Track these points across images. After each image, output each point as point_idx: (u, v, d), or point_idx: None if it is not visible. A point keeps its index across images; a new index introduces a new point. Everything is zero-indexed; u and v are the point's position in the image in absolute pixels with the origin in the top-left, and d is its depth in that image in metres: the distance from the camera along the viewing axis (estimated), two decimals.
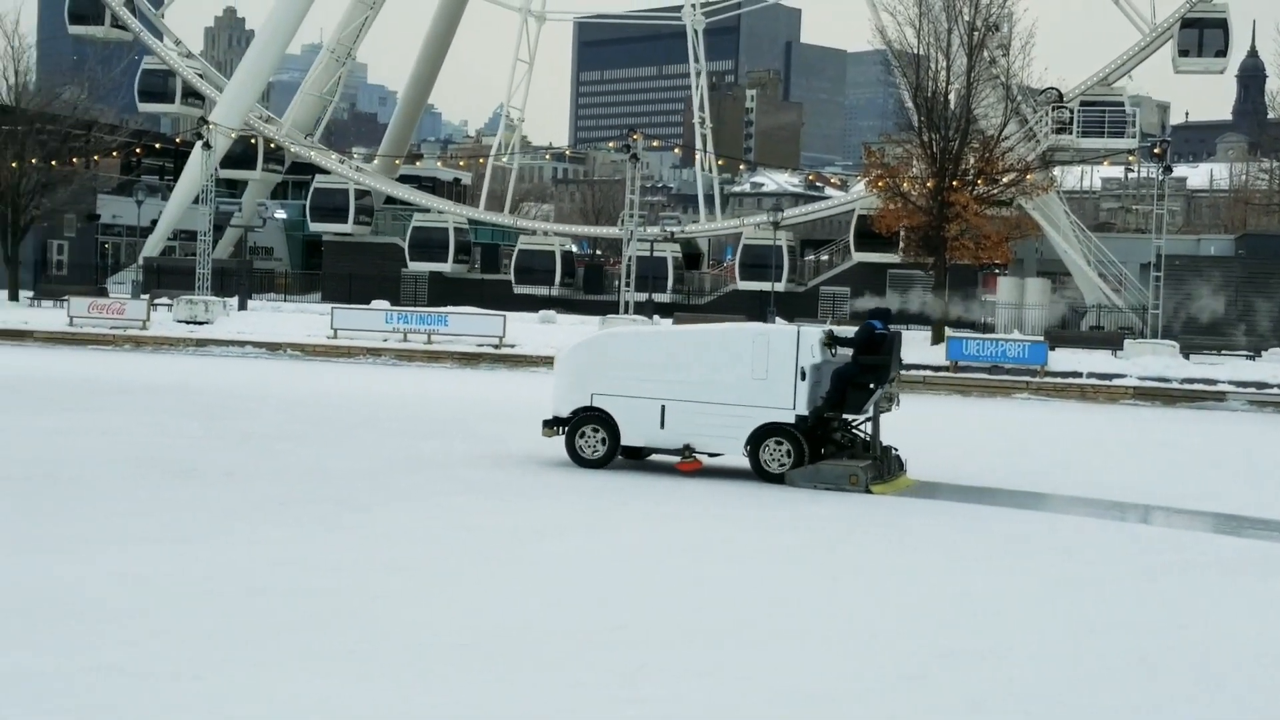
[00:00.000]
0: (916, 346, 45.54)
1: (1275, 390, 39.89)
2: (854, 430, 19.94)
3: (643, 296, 57.34)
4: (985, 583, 13.30)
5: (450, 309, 50.94)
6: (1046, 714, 9.02)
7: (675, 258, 68.21)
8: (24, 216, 59.71)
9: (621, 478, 19.22)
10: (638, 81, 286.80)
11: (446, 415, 27.42)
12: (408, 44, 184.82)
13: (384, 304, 53.36)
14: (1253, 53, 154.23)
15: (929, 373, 41.94)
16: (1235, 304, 50.48)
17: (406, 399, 31.04)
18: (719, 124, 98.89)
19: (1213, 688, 9.87)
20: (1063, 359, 43.56)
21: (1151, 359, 43.35)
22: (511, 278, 69.02)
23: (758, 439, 19.17)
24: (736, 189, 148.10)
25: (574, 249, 79.61)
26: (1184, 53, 61.72)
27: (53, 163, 59.39)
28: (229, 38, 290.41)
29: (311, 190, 72.54)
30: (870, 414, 19.49)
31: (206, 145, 57.26)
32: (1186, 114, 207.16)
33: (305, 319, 51.62)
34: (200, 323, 49.77)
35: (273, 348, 45.23)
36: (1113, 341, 47.95)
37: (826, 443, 19.70)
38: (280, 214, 79.96)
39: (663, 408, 19.49)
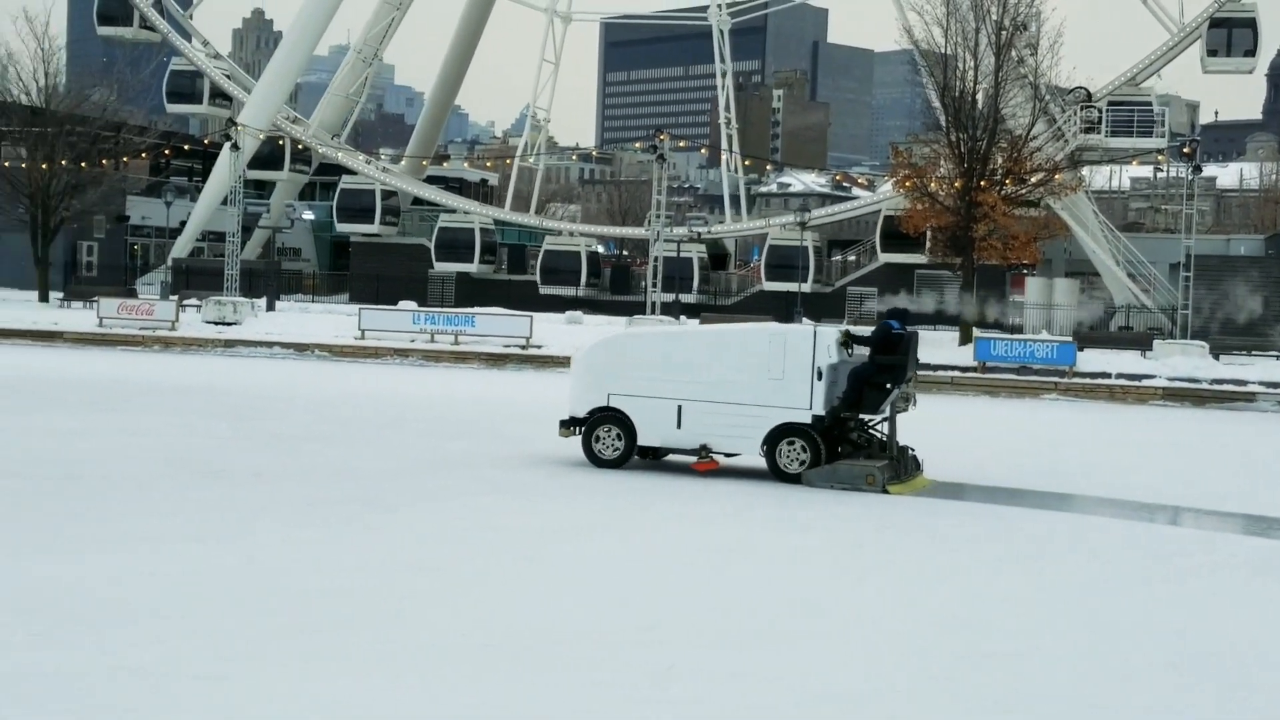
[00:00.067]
0: (944, 347, 45.41)
1: None
2: (871, 430, 19.89)
3: (669, 297, 57.30)
4: (1013, 584, 13.25)
5: (477, 310, 50.98)
6: (1075, 716, 8.98)
7: (701, 258, 68.21)
8: (54, 218, 60.11)
9: (642, 478, 19.20)
10: (664, 82, 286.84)
11: (473, 416, 27.46)
12: (435, 45, 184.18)
13: (411, 305, 53.45)
14: None
15: (957, 373, 41.74)
16: (1267, 304, 50.12)
17: (433, 399, 31.10)
18: (745, 124, 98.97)
19: (1243, 691, 9.80)
20: (1091, 359, 43.33)
21: (1181, 359, 43.08)
22: (538, 278, 69.04)
23: (774, 439, 19.14)
24: (763, 189, 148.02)
25: (600, 250, 79.67)
26: (1212, 52, 61.31)
27: (82, 164, 59.78)
28: (257, 39, 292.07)
29: (338, 191, 72.70)
30: (887, 414, 19.46)
31: (235, 146, 57.43)
32: (1216, 113, 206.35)
33: (333, 320, 51.77)
34: (228, 323, 49.91)
35: (300, 348, 45.35)
36: (1142, 342, 47.73)
37: (843, 443, 19.65)
38: (308, 215, 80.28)
39: (679, 408, 19.47)
